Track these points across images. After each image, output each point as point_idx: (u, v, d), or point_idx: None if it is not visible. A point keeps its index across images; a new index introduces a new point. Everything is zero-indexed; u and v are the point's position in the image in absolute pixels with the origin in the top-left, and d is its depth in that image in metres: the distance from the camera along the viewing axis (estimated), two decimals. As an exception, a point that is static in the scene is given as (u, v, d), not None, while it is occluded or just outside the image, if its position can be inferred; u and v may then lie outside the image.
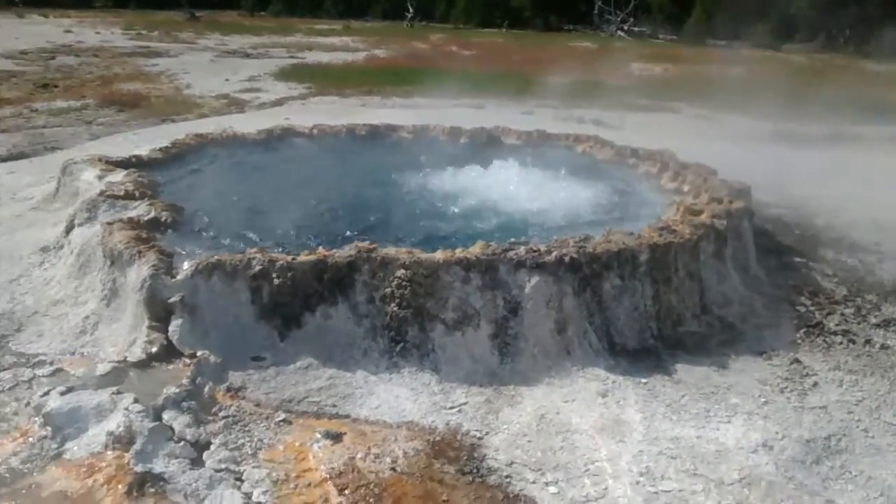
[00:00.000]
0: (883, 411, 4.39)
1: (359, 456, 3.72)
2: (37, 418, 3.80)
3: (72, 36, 30.24)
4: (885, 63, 27.08)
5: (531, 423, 4.09)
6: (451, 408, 4.20)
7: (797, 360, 4.90)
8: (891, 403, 4.48)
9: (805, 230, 7.71)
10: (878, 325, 5.57)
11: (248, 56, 25.75)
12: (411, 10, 50.38)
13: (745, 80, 20.38)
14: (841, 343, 5.24)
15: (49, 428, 3.71)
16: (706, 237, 5.66)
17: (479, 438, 3.96)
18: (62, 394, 3.94)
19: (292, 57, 25.89)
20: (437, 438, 3.93)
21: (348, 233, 6.00)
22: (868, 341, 5.28)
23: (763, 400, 4.41)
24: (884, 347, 5.21)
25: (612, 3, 45.49)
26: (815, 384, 4.64)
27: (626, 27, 44.63)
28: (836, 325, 5.52)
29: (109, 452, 3.56)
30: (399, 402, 4.21)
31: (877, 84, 19.64)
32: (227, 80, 18.95)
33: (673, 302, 5.28)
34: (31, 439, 3.68)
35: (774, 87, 17.07)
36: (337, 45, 31.50)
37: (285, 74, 20.43)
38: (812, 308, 5.78)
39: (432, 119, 10.44)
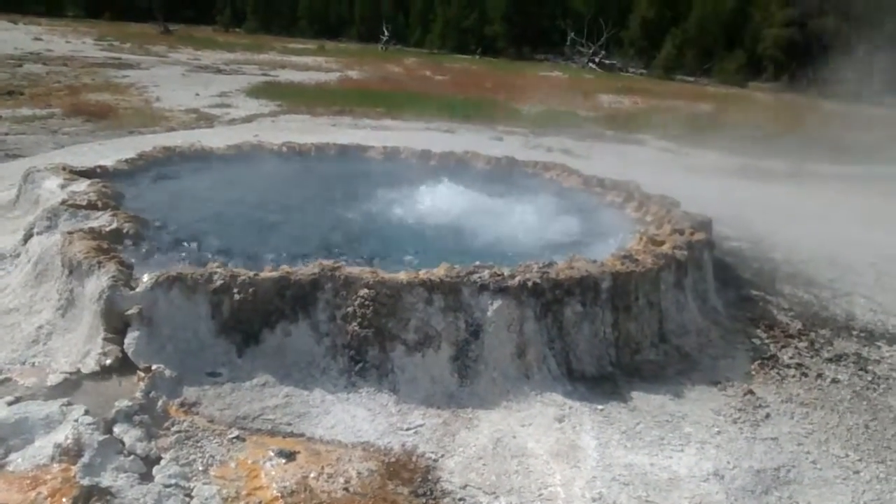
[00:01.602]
0: (831, 444, 4.47)
1: (312, 475, 3.69)
2: (-18, 428, 3.71)
3: (41, 44, 29.90)
4: (844, 105, 27.84)
5: (487, 447, 4.09)
6: (408, 429, 4.19)
7: (751, 392, 4.98)
8: (839, 436, 4.57)
9: (763, 264, 7.85)
10: (830, 360, 5.68)
11: (220, 72, 25.68)
12: (386, 33, 50.70)
13: (712, 115, 20.81)
14: (794, 376, 5.33)
15: (-6, 438, 3.63)
16: (667, 267, 5.74)
17: (435, 460, 3.95)
18: (9, 404, 3.85)
19: (265, 74, 25.88)
20: (392, 460, 3.91)
21: (311, 250, 5.98)
22: (820, 375, 5.38)
23: (716, 429, 4.47)
24: (835, 381, 5.31)
25: (585, 35, 46.20)
26: (768, 415, 4.71)
27: (597, 59, 45.32)
28: (790, 358, 5.61)
29: (56, 465, 3.48)
30: (355, 423, 4.19)
31: (836, 125, 20.15)
32: (197, 94, 18.86)
33: (632, 330, 5.33)
34: (-26, 449, 3.58)
35: (739, 124, 17.45)
36: (310, 65, 31.56)
37: (257, 91, 20.40)
38: (767, 341, 5.88)
39: (403, 142, 10.50)
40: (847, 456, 4.38)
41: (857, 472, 4.22)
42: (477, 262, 5.16)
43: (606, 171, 9.21)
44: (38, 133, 12.36)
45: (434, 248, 6.40)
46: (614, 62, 45.65)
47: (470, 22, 52.67)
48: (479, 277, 4.91)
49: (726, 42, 44.11)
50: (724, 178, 12.22)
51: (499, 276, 4.95)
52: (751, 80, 39.88)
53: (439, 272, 4.91)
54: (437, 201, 7.60)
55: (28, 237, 5.80)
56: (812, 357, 5.70)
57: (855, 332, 6.30)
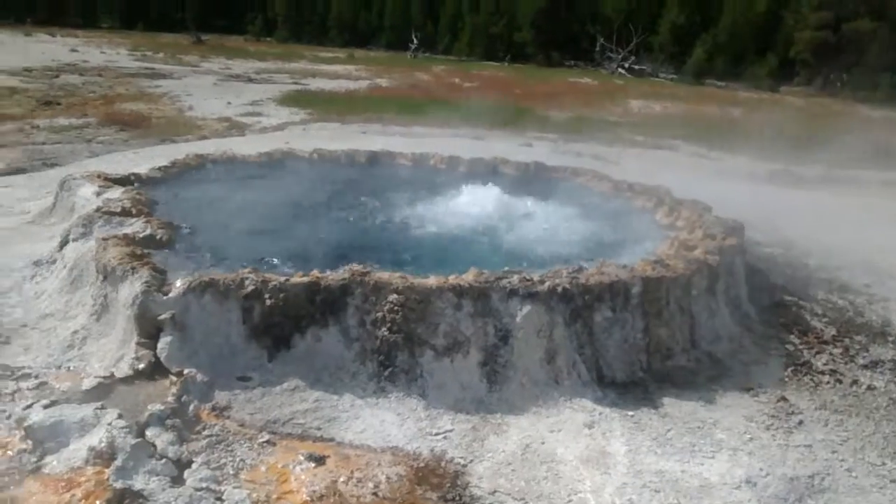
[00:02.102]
0: (867, 452, 4.39)
1: (341, 479, 3.70)
2: (17, 431, 3.78)
3: (77, 55, 30.45)
4: (879, 108, 27.38)
5: (516, 452, 4.08)
6: (437, 434, 4.19)
7: (784, 398, 4.91)
8: (875, 444, 4.48)
9: (796, 270, 7.74)
10: (865, 367, 5.58)
11: (251, 81, 25.93)
12: (415, 41, 50.85)
13: (743, 120, 20.58)
14: (828, 382, 5.24)
15: (30, 441, 3.70)
16: (699, 272, 5.68)
17: (464, 466, 3.95)
18: (45, 407, 3.93)
19: (296, 83, 26.08)
20: (421, 465, 3.91)
21: (342, 255, 6.01)
22: (855, 382, 5.29)
23: (748, 436, 4.41)
24: (870, 388, 5.22)
25: (614, 40, 45.96)
26: (801, 422, 4.64)
27: (627, 65, 45.03)
28: (824, 364, 5.53)
29: (89, 468, 3.54)
30: (385, 427, 4.20)
31: (871, 129, 19.82)
32: (229, 103, 19.07)
33: (663, 336, 5.29)
34: (10, 452, 3.65)
35: (771, 129, 17.23)
36: (340, 73, 31.76)
37: (288, 100, 20.57)
38: (801, 347, 5.79)
39: (432, 148, 10.52)
40: (884, 464, 4.29)
41: (894, 481, 4.14)
42: (506, 268, 5.16)
43: (636, 176, 9.15)
44: (73, 142, 12.58)
45: (461, 253, 6.41)
46: (644, 67, 45.32)
47: (498, 29, 52.61)
48: (509, 283, 4.90)
49: (757, 46, 43.59)
50: (755, 183, 12.07)
51: (528, 281, 4.94)
52: (783, 85, 39.34)
53: (468, 277, 4.91)
54: (466, 206, 7.61)
55: (64, 243, 5.91)
56: (847, 363, 5.61)
57: (891, 339, 6.18)
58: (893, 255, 8.38)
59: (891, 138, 17.68)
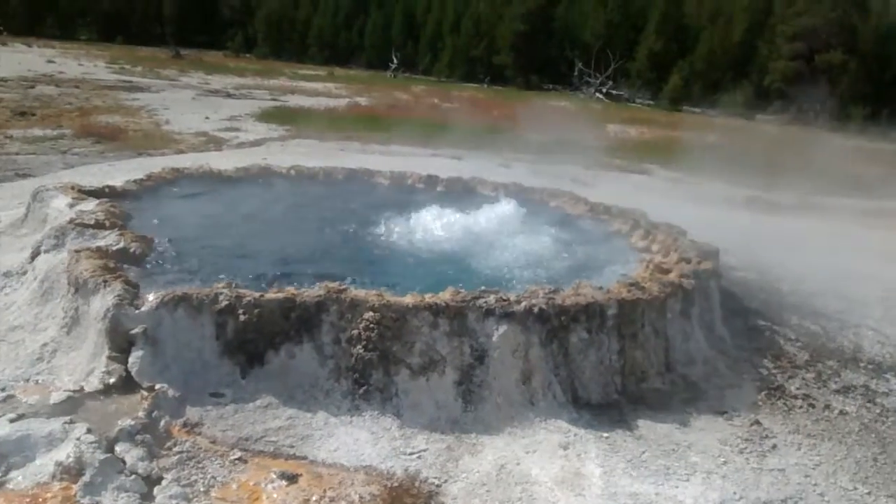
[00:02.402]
0: (839, 476, 4.42)
1: (314, 498, 3.66)
2: (-17, 445, 3.69)
3: (54, 66, 30.19)
4: (852, 138, 27.90)
5: (491, 473, 4.05)
6: (411, 454, 4.16)
7: (757, 422, 4.93)
8: (847, 469, 4.51)
9: (770, 294, 7.81)
10: (837, 391, 5.63)
11: (230, 96, 25.87)
12: (395, 61, 51.08)
13: (718, 146, 20.84)
14: (801, 407, 5.28)
15: (-5, 455, 3.61)
16: (674, 295, 5.72)
17: (438, 486, 3.92)
18: (12, 421, 3.84)
19: (274, 99, 26.05)
20: (395, 484, 3.87)
21: (315, 272, 5.97)
22: (827, 406, 5.34)
23: (722, 460, 4.42)
24: (842, 413, 5.26)
25: (592, 66, 46.50)
26: (774, 446, 4.67)
27: (604, 90, 45.55)
28: (797, 388, 5.57)
29: (56, 483, 3.47)
30: (358, 446, 4.16)
31: (844, 158, 20.16)
32: (207, 118, 18.99)
33: (638, 358, 5.30)
34: (-26, 466, 3.56)
35: (746, 155, 17.47)
36: (320, 91, 31.78)
37: (266, 116, 20.52)
38: (774, 371, 5.83)
39: (410, 167, 10.53)
40: (856, 489, 4.32)
41: (865, 506, 4.17)
42: (482, 287, 5.15)
43: (613, 199, 9.21)
44: (48, 153, 12.44)
45: (436, 273, 6.39)
46: (621, 93, 45.90)
47: (478, 51, 53.08)
48: (485, 302, 4.89)
49: (733, 74, 44.34)
50: (730, 209, 12.21)
51: (505, 301, 4.94)
52: (758, 113, 40.00)
53: (445, 296, 4.90)
54: (442, 225, 7.60)
55: (35, 255, 5.81)
56: (819, 388, 5.66)
57: (863, 364, 6.25)
58: (865, 281, 8.50)
59: (863, 168, 18.01)
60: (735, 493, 4.09)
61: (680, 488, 4.08)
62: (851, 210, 13.46)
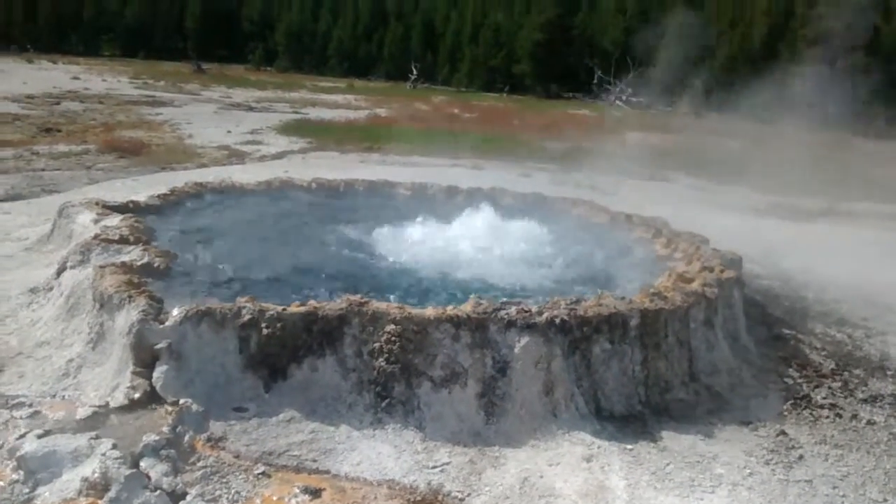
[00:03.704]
0: (868, 487, 4.35)
1: (337, 512, 3.66)
2: (10, 462, 3.73)
3: (79, 82, 30.68)
4: (880, 141, 27.56)
5: (514, 486, 4.03)
6: (434, 467, 4.15)
7: (783, 432, 4.87)
8: (876, 480, 4.44)
9: (795, 302, 7.73)
10: (864, 401, 5.55)
11: (251, 109, 26.12)
12: (415, 72, 51.30)
13: (741, 152, 20.68)
14: (828, 417, 5.21)
15: (21, 472, 3.65)
16: (697, 305, 5.67)
17: (461, 500, 3.90)
18: (39, 437, 3.88)
19: (295, 112, 26.26)
20: (418, 498, 3.87)
21: (339, 285, 6.00)
22: (855, 416, 5.26)
23: (748, 471, 4.37)
24: (870, 423, 5.18)
25: (612, 73, 46.38)
26: (801, 457, 4.60)
27: (624, 97, 45.39)
28: (824, 398, 5.49)
29: (83, 499, 3.50)
30: (381, 460, 4.16)
31: (868, 161, 19.94)
32: (229, 132, 19.17)
33: (662, 368, 5.26)
34: (1, 483, 3.60)
35: (769, 161, 17.31)
36: (340, 103, 31.99)
37: (287, 129, 20.68)
38: (800, 380, 5.76)
39: (430, 178, 10.56)
40: (885, 500, 4.25)
41: (895, 518, 4.10)
42: (504, 299, 5.14)
43: (634, 207, 9.18)
44: (73, 169, 12.62)
45: (457, 285, 6.40)
46: (642, 100, 45.70)
47: (498, 61, 53.19)
48: (507, 314, 4.88)
49: (754, 79, 44.07)
50: (754, 216, 12.12)
51: (526, 312, 4.92)
52: (779, 117, 39.64)
53: (466, 308, 4.89)
54: (463, 237, 7.61)
55: (61, 271, 5.89)
56: (846, 397, 5.58)
57: (890, 373, 6.15)
58: (891, 288, 8.38)
59: (889, 171, 17.78)
60: (762, 505, 4.04)
61: (705, 500, 4.04)
62: (877, 215, 13.31)
